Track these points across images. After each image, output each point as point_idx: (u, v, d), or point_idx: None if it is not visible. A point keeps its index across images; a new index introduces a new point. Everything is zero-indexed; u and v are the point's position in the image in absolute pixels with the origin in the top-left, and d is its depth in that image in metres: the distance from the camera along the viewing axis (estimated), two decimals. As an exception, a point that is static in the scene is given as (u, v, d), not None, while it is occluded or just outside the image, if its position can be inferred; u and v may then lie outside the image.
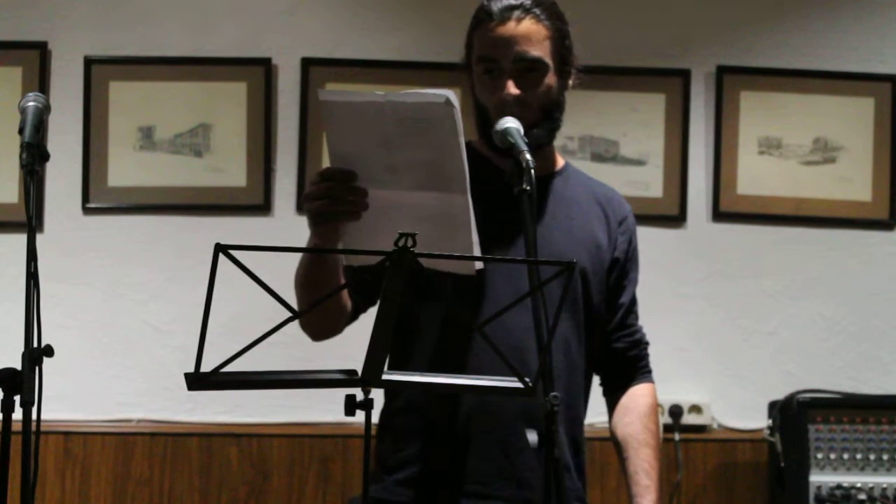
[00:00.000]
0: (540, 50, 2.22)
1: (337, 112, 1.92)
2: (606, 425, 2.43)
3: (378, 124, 1.90)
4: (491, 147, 2.21)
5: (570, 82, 2.31)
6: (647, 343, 2.47)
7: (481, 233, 1.96)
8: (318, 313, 2.16)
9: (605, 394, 2.48)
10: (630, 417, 2.40)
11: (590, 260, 2.31)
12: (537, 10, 2.22)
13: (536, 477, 2.16)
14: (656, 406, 2.44)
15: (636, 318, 2.45)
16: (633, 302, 2.44)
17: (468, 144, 2.39)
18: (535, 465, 2.16)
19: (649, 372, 2.47)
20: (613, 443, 2.42)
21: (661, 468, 2.37)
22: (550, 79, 2.24)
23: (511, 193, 1.94)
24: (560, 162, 2.42)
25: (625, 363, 2.43)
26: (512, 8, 2.21)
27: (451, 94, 1.87)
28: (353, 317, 2.29)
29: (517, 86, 2.21)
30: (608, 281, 2.37)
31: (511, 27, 2.21)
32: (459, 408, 2.22)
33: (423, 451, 2.24)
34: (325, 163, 3.78)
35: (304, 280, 2.14)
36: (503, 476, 2.20)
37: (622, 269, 2.39)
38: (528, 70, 2.22)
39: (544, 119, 2.25)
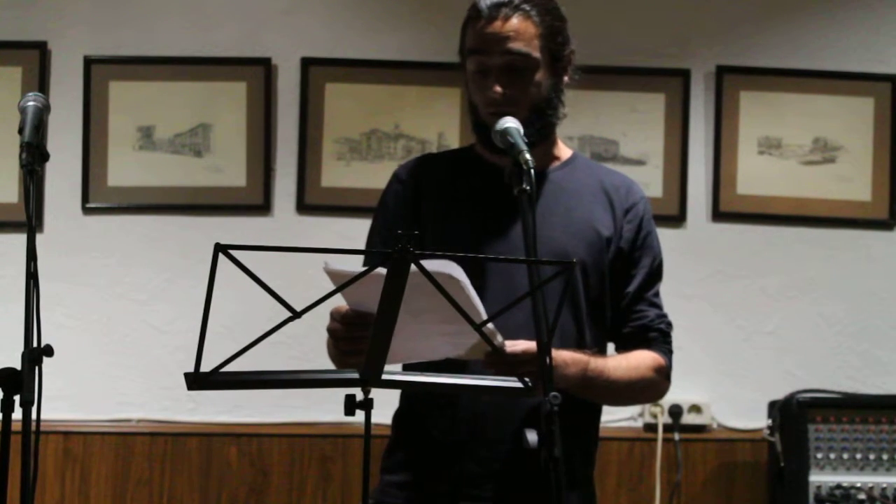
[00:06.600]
0: (528, 46, 2.21)
1: (339, 280, 1.86)
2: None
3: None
4: (484, 144, 2.23)
5: (566, 79, 2.29)
6: (660, 327, 2.35)
7: (479, 233, 1.93)
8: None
9: None
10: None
11: (589, 252, 2.27)
12: (527, 7, 2.21)
13: (531, 477, 2.16)
14: (651, 366, 2.30)
15: (649, 304, 2.35)
16: (645, 289, 2.34)
17: (469, 148, 2.40)
18: (531, 466, 2.16)
19: (663, 348, 2.34)
20: None
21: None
22: (540, 76, 2.23)
23: (509, 193, 1.94)
24: (566, 154, 2.39)
25: (633, 340, 2.34)
26: (501, 5, 2.20)
27: (455, 267, 1.82)
28: None
29: (505, 84, 2.20)
30: (612, 270, 2.32)
31: (499, 24, 2.20)
32: (454, 410, 2.22)
33: (417, 454, 2.26)
34: (325, 162, 3.81)
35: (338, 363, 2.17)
36: (497, 478, 2.20)
37: (628, 258, 2.33)
38: (517, 67, 2.21)
39: (535, 118, 2.22)
